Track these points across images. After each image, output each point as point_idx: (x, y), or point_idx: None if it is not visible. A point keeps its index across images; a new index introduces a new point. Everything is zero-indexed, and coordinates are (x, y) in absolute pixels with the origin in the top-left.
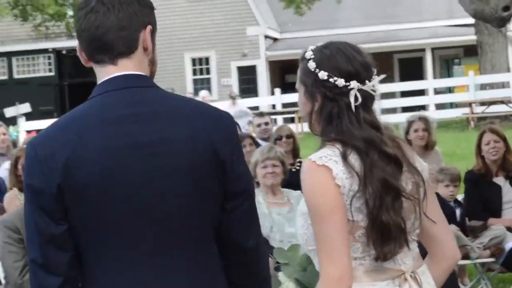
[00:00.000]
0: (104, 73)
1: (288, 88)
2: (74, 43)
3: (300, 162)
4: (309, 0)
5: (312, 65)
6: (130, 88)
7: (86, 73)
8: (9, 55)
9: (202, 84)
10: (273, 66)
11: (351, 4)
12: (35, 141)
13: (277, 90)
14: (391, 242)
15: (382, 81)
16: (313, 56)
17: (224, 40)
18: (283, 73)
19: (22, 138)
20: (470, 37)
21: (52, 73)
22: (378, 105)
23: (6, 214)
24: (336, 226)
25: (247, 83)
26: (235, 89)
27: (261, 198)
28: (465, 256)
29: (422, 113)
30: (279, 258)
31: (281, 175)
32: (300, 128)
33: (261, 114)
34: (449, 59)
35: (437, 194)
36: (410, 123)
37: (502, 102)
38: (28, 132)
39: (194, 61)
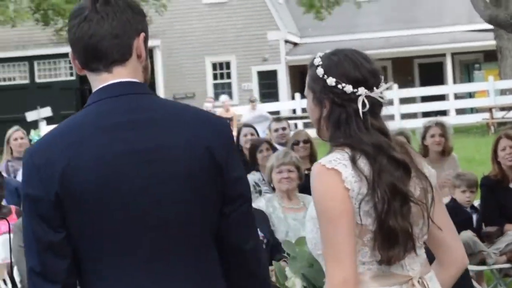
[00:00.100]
0: (99, 81)
1: None
2: None
3: None
4: (329, 5)
5: (320, 71)
6: (125, 95)
7: None
8: (30, 59)
9: (222, 88)
10: (293, 71)
11: (371, 9)
12: (32, 150)
13: (297, 95)
14: (397, 246)
15: (403, 86)
16: (321, 63)
17: (244, 44)
18: (303, 78)
19: None
20: (490, 42)
21: (73, 77)
22: (398, 110)
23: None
24: (343, 230)
25: (268, 87)
26: (256, 94)
27: (276, 203)
28: (482, 262)
29: (438, 118)
30: (288, 250)
31: (297, 180)
32: None
33: (279, 119)
34: (469, 64)
35: (454, 200)
36: (426, 128)
37: None
38: None
39: (214, 66)
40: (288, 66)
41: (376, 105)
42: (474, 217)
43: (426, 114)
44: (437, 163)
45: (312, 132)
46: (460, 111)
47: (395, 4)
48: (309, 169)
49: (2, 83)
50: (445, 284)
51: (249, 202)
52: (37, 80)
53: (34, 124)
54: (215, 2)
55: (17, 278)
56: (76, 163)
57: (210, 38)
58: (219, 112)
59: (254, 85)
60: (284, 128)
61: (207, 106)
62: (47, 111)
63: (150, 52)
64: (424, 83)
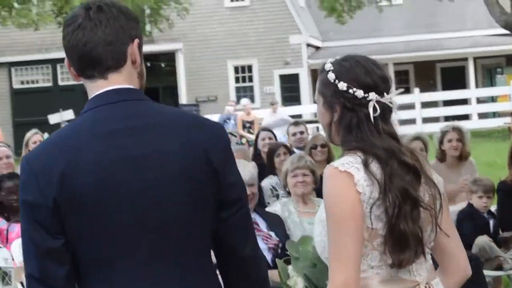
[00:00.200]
0: (95, 87)
1: None
2: None
3: None
4: (351, 9)
5: (331, 76)
6: (121, 101)
7: None
8: (53, 62)
9: (244, 92)
10: (315, 75)
11: (393, 13)
12: (30, 157)
13: None
14: (408, 250)
15: (425, 90)
16: (332, 68)
17: (266, 48)
18: None
19: None
20: None
21: None
22: (420, 114)
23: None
24: (350, 233)
25: (290, 91)
26: (278, 97)
27: (292, 208)
28: (499, 267)
29: (456, 123)
30: (291, 250)
31: (312, 184)
32: None
33: (296, 123)
34: (491, 68)
35: (471, 205)
36: (443, 133)
37: None
38: None
39: (236, 69)
40: (310, 69)
41: (386, 110)
42: (491, 222)
43: (448, 118)
44: (454, 168)
45: None
46: (482, 115)
47: (417, 8)
48: None
49: (25, 86)
50: None
51: (246, 207)
52: (60, 83)
53: (57, 127)
54: (237, 6)
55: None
56: (73, 169)
57: (232, 41)
58: (240, 115)
59: (276, 89)
60: (301, 132)
61: (229, 109)
62: (69, 114)
63: (172, 55)
64: (446, 87)
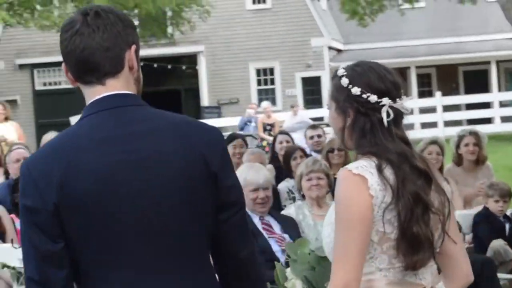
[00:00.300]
0: (93, 93)
1: None
2: (140, 52)
3: None
4: (373, 12)
5: (345, 81)
6: (119, 107)
7: (153, 82)
8: None
9: (266, 94)
10: None
11: (415, 16)
12: (29, 161)
13: None
14: (422, 252)
15: (447, 94)
16: (345, 73)
17: (288, 51)
18: None
19: None
20: None
21: None
22: (442, 117)
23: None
24: (357, 236)
25: (312, 94)
26: (300, 100)
27: (306, 211)
28: None
29: (473, 127)
30: (290, 253)
31: (326, 187)
32: None
33: (314, 127)
34: None
35: (487, 209)
36: (460, 137)
37: None
38: None
39: (258, 72)
40: (332, 72)
41: (398, 115)
42: (507, 226)
43: (470, 122)
44: (471, 172)
45: None
46: (505, 119)
47: (439, 12)
48: None
49: (48, 87)
50: None
51: (243, 209)
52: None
53: None
54: (258, 9)
55: None
56: (73, 173)
57: (254, 44)
58: (261, 118)
59: (298, 91)
60: (319, 136)
61: (250, 112)
62: None
63: (194, 58)
64: (469, 90)
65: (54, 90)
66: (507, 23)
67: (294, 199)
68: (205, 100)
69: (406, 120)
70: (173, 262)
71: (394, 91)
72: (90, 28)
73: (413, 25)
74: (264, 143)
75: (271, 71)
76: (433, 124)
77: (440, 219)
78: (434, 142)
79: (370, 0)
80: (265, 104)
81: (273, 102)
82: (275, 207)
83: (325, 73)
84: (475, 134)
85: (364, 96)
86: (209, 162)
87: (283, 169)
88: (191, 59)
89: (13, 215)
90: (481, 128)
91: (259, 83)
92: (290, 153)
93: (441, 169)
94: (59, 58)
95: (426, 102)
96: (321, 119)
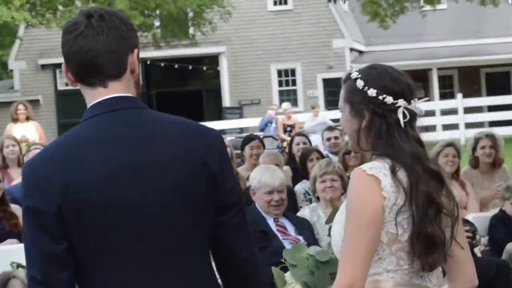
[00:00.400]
0: (94, 95)
1: None
2: (161, 53)
3: None
4: (394, 13)
5: (360, 83)
6: (121, 110)
7: (174, 83)
8: None
9: (288, 95)
10: None
11: (437, 18)
12: (32, 163)
13: None
14: (437, 252)
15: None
16: (360, 76)
17: (309, 52)
18: None
19: None
20: None
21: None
22: (463, 119)
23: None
24: (366, 236)
25: (333, 95)
26: (321, 101)
27: (321, 212)
28: None
29: (489, 130)
30: (288, 258)
31: (340, 189)
32: None
33: (331, 128)
34: None
35: (503, 212)
36: (477, 140)
37: None
38: None
39: (280, 73)
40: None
41: (413, 117)
42: None
43: (492, 124)
44: (487, 174)
45: None
46: None
47: (461, 14)
48: None
49: (70, 87)
50: None
51: (242, 211)
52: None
53: None
54: (280, 10)
55: None
56: (77, 175)
57: (275, 45)
58: (281, 119)
59: (319, 92)
60: (336, 137)
61: (270, 113)
62: None
63: (216, 58)
64: (491, 92)
65: (76, 90)
66: None
67: (310, 201)
68: (227, 100)
69: (428, 121)
70: (174, 263)
71: (408, 93)
72: (94, 30)
73: (435, 27)
74: (285, 144)
75: (293, 72)
76: (454, 126)
77: (451, 220)
78: (450, 144)
79: (391, 2)
80: (286, 105)
81: (295, 103)
82: (291, 208)
83: None
84: (491, 136)
85: (380, 97)
86: (209, 164)
87: (298, 171)
88: (213, 59)
89: None
90: (503, 130)
91: (280, 84)
92: (306, 154)
93: (457, 172)
94: None
95: (448, 104)
96: None
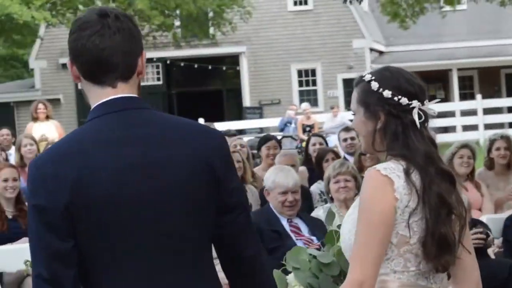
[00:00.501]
0: (101, 94)
1: None
2: (181, 53)
3: None
4: (414, 14)
5: (375, 85)
6: (129, 110)
7: (194, 82)
8: None
9: (308, 95)
10: None
11: (457, 18)
12: (38, 161)
13: None
14: (449, 253)
15: (489, 96)
16: (374, 78)
17: (329, 52)
18: None
19: None
20: None
21: (160, 82)
22: (483, 120)
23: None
24: (378, 237)
25: None
26: (341, 101)
27: (335, 213)
28: None
29: (505, 131)
30: (290, 261)
31: (354, 189)
32: None
33: (347, 129)
34: None
35: None
36: (492, 141)
37: None
38: None
39: (300, 73)
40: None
41: (426, 118)
42: None
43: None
44: (502, 176)
45: None
46: None
47: (481, 14)
48: None
49: None
50: None
51: (247, 211)
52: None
53: None
54: (300, 10)
55: None
56: (85, 175)
57: (295, 45)
58: (300, 119)
59: (339, 93)
60: (352, 138)
61: (290, 113)
62: None
63: (236, 58)
64: (511, 93)
65: None
66: None
67: (326, 201)
68: (247, 100)
69: (447, 122)
70: (178, 262)
71: (421, 94)
72: (111, 30)
73: (454, 27)
74: (304, 144)
75: (313, 72)
76: (474, 127)
77: (460, 222)
78: (465, 145)
79: (411, 2)
80: (305, 105)
81: (315, 103)
82: (307, 208)
83: None
84: (506, 138)
85: (396, 98)
86: (214, 166)
87: (315, 171)
88: (233, 59)
89: None
90: None
91: (300, 84)
92: (322, 155)
93: (472, 173)
94: None
95: (467, 104)
96: None
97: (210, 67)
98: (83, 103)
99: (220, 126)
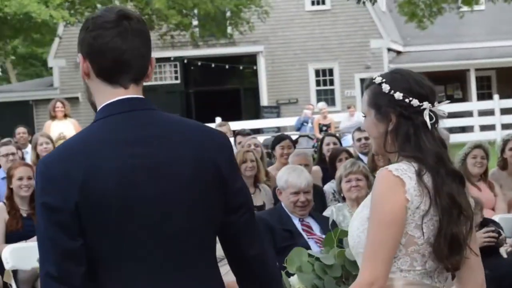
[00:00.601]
0: (110, 94)
1: None
2: (199, 52)
3: None
4: (431, 14)
5: (386, 87)
6: (137, 111)
7: (211, 81)
8: None
9: (325, 95)
10: None
11: (475, 19)
12: (48, 161)
13: None
14: (459, 253)
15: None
16: (384, 80)
17: (347, 52)
18: None
19: None
20: None
21: (178, 81)
22: (500, 120)
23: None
24: (389, 236)
25: None
26: (358, 101)
27: (347, 212)
28: None
29: None
30: (293, 263)
31: (366, 189)
32: None
33: (361, 129)
34: None
35: None
36: (505, 141)
37: None
38: None
39: (317, 72)
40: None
41: (437, 119)
42: None
43: None
44: None
45: None
46: None
47: (499, 14)
48: None
49: None
50: None
51: (251, 211)
52: (144, 83)
53: None
54: (318, 10)
55: None
56: (95, 175)
57: (313, 45)
58: (317, 118)
59: (357, 92)
60: (366, 138)
61: (306, 112)
62: None
63: (254, 58)
64: None
65: None
66: None
67: (339, 201)
68: (265, 99)
69: (465, 122)
70: (183, 262)
71: (431, 95)
72: (134, 32)
73: (472, 27)
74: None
75: (330, 72)
76: (491, 127)
77: (469, 223)
78: (478, 146)
79: (428, 2)
80: (321, 105)
81: (332, 102)
82: (320, 208)
83: None
84: None
85: (407, 100)
86: (220, 167)
87: (329, 171)
88: (251, 59)
89: None
90: None
91: (318, 83)
92: (335, 154)
93: (485, 173)
94: None
95: (485, 104)
96: None
97: (227, 67)
98: None
99: (237, 125)
